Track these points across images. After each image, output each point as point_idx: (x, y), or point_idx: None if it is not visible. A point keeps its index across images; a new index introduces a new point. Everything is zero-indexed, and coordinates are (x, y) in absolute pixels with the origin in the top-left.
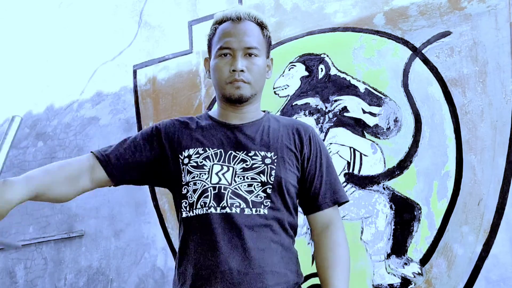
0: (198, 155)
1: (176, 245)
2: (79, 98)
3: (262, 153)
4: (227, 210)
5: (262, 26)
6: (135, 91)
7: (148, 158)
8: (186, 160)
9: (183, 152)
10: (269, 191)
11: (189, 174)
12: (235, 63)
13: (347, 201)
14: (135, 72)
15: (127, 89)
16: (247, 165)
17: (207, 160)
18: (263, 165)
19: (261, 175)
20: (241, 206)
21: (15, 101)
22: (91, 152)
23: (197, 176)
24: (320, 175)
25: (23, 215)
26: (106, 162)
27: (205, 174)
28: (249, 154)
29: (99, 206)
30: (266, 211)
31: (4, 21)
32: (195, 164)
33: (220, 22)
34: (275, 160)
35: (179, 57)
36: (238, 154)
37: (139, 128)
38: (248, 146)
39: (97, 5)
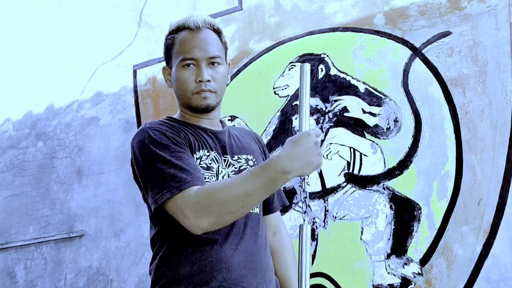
0: (206, 157)
1: None
2: (79, 98)
3: (244, 156)
4: None
5: (219, 32)
6: (135, 91)
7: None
8: (198, 161)
9: (195, 154)
10: None
11: None
12: (201, 73)
13: (289, 205)
14: (135, 72)
15: (127, 89)
16: (235, 168)
17: (213, 162)
18: (248, 166)
19: None
20: None
21: (15, 101)
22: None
23: (207, 178)
24: None
25: (23, 215)
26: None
27: (214, 176)
28: (234, 158)
29: (99, 206)
30: (257, 210)
31: (4, 21)
32: (205, 166)
33: (176, 31)
34: (255, 162)
35: None
36: (227, 158)
37: None
38: (230, 151)
39: (97, 5)
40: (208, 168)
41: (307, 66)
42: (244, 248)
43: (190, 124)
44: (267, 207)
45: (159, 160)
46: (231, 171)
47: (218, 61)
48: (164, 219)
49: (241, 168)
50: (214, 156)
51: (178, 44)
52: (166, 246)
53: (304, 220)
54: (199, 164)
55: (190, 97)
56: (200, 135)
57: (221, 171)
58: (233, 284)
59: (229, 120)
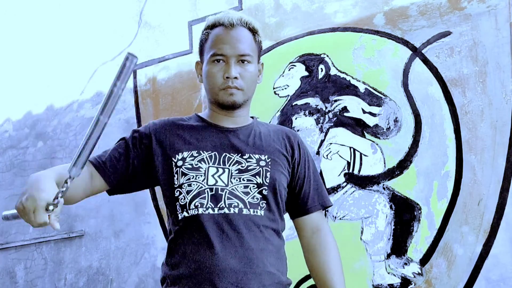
0: (193, 158)
1: None
2: (79, 98)
3: (256, 156)
4: (225, 210)
5: (254, 31)
6: (135, 91)
7: (138, 162)
8: (180, 163)
9: (177, 155)
10: (265, 192)
11: (183, 176)
12: (229, 70)
13: (331, 206)
14: (135, 72)
15: (127, 89)
16: (242, 167)
17: (202, 162)
18: (258, 167)
19: (256, 176)
20: (239, 206)
21: (15, 101)
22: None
23: (192, 178)
24: (309, 180)
25: None
26: (103, 168)
27: (201, 176)
28: (244, 157)
29: (99, 206)
30: (262, 213)
31: (4, 21)
32: (190, 166)
33: (212, 27)
34: (269, 163)
35: (179, 57)
36: (233, 156)
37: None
38: (242, 149)
39: (97, 5)
40: (194, 169)
41: (134, 60)
42: (241, 251)
43: (205, 121)
44: (302, 208)
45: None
46: (236, 170)
47: (248, 59)
48: (172, 219)
49: (248, 168)
50: (207, 157)
51: (211, 40)
52: (171, 245)
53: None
54: (183, 164)
55: (217, 93)
56: (202, 135)
57: (216, 171)
58: (229, 286)
59: None
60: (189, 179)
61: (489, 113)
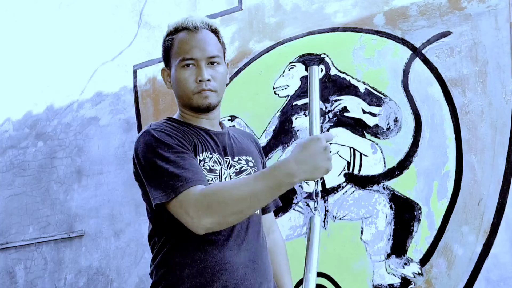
0: (209, 159)
1: None
2: (79, 98)
3: (244, 157)
4: None
5: (216, 32)
6: (135, 91)
7: None
8: (201, 164)
9: (198, 156)
10: None
11: None
12: (202, 73)
13: (281, 205)
14: (135, 72)
15: (127, 89)
16: (236, 169)
17: (215, 164)
18: (249, 168)
19: None
20: None
21: (15, 101)
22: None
23: (211, 180)
24: None
25: (23, 215)
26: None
27: (217, 178)
28: (234, 159)
29: (99, 206)
30: (258, 211)
31: (4, 21)
32: (208, 168)
33: (175, 32)
34: (255, 164)
35: None
36: (228, 158)
37: (139, 128)
38: (231, 152)
39: (97, 5)
40: (211, 171)
41: (316, 69)
42: (246, 248)
43: (191, 125)
44: (262, 208)
45: (163, 160)
46: (232, 172)
47: (217, 61)
48: (166, 219)
49: (241, 169)
50: (217, 158)
51: (177, 45)
52: (167, 247)
53: (314, 214)
54: (203, 166)
55: (191, 97)
56: (202, 136)
57: (224, 173)
58: (236, 284)
59: (229, 120)
60: (208, 181)
61: (489, 113)
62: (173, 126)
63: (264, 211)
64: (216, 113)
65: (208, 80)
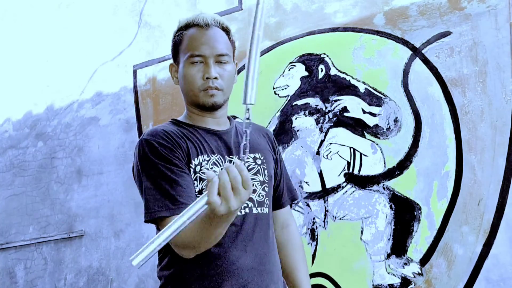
0: (206, 162)
1: None
2: (79, 98)
3: (252, 155)
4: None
5: (227, 31)
6: (135, 91)
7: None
8: (198, 168)
9: (193, 160)
10: (267, 189)
11: (202, 182)
12: (209, 70)
13: (300, 200)
14: (135, 72)
15: (127, 89)
16: None
17: (215, 166)
18: (256, 166)
19: (258, 175)
20: (249, 206)
21: (15, 101)
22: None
23: None
24: (282, 176)
25: (23, 215)
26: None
27: None
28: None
29: (99, 206)
30: (267, 210)
31: (4, 21)
32: (206, 171)
33: (185, 27)
34: (264, 161)
35: None
36: (233, 158)
37: (139, 128)
38: (238, 150)
39: (97, 5)
40: None
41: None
42: (253, 249)
43: (194, 126)
44: (277, 203)
45: (148, 178)
46: None
47: (226, 59)
48: None
49: (249, 167)
50: (216, 160)
51: (187, 41)
52: (173, 250)
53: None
54: (200, 169)
55: (197, 94)
56: (202, 138)
57: None
58: (243, 286)
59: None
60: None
61: (489, 113)
62: (168, 135)
63: (279, 206)
64: (222, 112)
65: (215, 78)
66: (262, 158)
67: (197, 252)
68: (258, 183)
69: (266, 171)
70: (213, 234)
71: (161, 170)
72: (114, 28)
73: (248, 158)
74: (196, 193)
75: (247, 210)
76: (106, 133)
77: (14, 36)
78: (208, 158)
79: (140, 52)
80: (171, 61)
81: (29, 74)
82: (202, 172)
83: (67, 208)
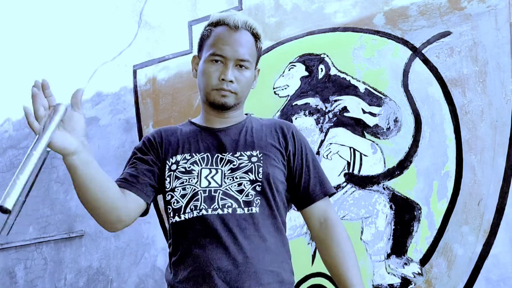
0: (185, 161)
1: None
2: None
3: (248, 153)
4: (219, 211)
5: (257, 37)
6: (135, 91)
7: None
8: (174, 167)
9: (171, 159)
10: (258, 188)
11: (176, 180)
12: (226, 72)
13: (335, 193)
14: (135, 72)
15: (127, 89)
16: (234, 165)
17: (195, 165)
18: (250, 163)
19: (249, 173)
20: (233, 206)
21: (15, 101)
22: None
23: (186, 181)
24: (308, 169)
25: (23, 215)
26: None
27: (194, 178)
28: (235, 155)
29: None
30: (257, 209)
31: (4, 21)
32: (183, 170)
33: (216, 24)
34: (261, 158)
35: (179, 57)
36: (225, 156)
37: (139, 128)
38: (233, 148)
39: (97, 5)
40: (187, 172)
41: (62, 108)
42: (235, 250)
43: (199, 126)
44: (306, 199)
45: (129, 161)
46: (228, 169)
47: (246, 65)
48: (169, 223)
49: (240, 166)
50: (200, 159)
51: (213, 38)
52: (170, 250)
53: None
54: (177, 168)
55: (209, 92)
56: (194, 137)
57: (209, 172)
58: (223, 286)
59: None
60: (182, 182)
61: (489, 113)
62: (154, 137)
63: (310, 201)
64: (234, 113)
65: (231, 81)
66: (259, 155)
67: (102, 220)
68: (247, 182)
69: (261, 168)
70: (76, 187)
71: (131, 158)
72: (114, 28)
73: (242, 156)
74: (167, 190)
75: (230, 210)
76: (106, 133)
77: (14, 36)
78: (189, 158)
79: (140, 52)
80: (172, 61)
81: (29, 74)
82: (178, 171)
83: (67, 208)
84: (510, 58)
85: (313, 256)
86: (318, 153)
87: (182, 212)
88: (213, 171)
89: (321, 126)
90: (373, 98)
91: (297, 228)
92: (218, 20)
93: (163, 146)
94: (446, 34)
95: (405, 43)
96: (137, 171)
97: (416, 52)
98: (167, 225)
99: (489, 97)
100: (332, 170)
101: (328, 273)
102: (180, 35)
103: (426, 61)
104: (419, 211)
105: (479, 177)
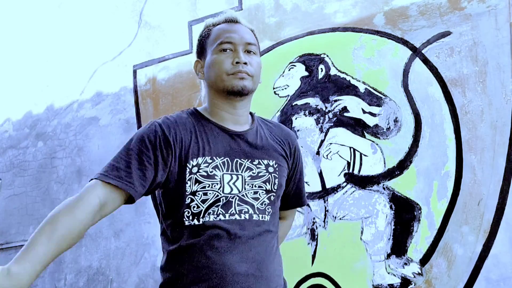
0: (207, 164)
1: None
2: (79, 98)
3: (265, 161)
4: (236, 217)
5: (252, 31)
6: (135, 91)
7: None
8: (195, 169)
9: (191, 161)
10: (272, 198)
11: (197, 184)
12: (239, 55)
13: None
14: (135, 72)
15: (127, 89)
16: (253, 173)
17: (216, 169)
18: (267, 173)
19: (266, 183)
20: (249, 212)
21: (15, 101)
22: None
23: (208, 186)
24: (299, 182)
25: (23, 215)
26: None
27: (217, 184)
28: (254, 163)
29: None
30: (268, 218)
31: (4, 21)
32: (205, 174)
33: (214, 24)
34: (277, 169)
35: (179, 57)
36: (244, 162)
37: (139, 128)
38: (252, 155)
39: (97, 5)
40: (209, 176)
41: None
42: (251, 255)
43: (210, 121)
44: (290, 206)
45: (130, 157)
46: (248, 176)
47: (254, 50)
48: (172, 223)
49: (259, 174)
50: (221, 163)
51: (215, 33)
52: (172, 250)
53: None
54: (198, 171)
55: (224, 79)
56: (212, 138)
57: (230, 178)
58: None
59: None
60: (204, 187)
61: (489, 113)
62: (167, 131)
63: (285, 207)
64: (244, 107)
65: (245, 63)
66: (275, 166)
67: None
68: (263, 192)
69: (276, 179)
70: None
71: (135, 154)
72: (114, 28)
73: (260, 164)
74: (187, 193)
75: (246, 216)
76: (106, 133)
77: (14, 36)
78: (210, 161)
79: (140, 52)
80: (172, 61)
81: (29, 74)
82: (200, 175)
83: None
84: (510, 58)
85: (313, 256)
86: (318, 153)
87: (201, 216)
88: (234, 177)
89: (321, 126)
90: (373, 98)
91: (297, 229)
92: (215, 21)
93: (178, 145)
94: (446, 34)
95: (405, 43)
96: (145, 177)
97: (416, 52)
98: (161, 227)
99: (489, 97)
100: (332, 170)
101: (329, 273)
102: (180, 35)
103: (426, 61)
104: (419, 211)
105: (479, 177)
